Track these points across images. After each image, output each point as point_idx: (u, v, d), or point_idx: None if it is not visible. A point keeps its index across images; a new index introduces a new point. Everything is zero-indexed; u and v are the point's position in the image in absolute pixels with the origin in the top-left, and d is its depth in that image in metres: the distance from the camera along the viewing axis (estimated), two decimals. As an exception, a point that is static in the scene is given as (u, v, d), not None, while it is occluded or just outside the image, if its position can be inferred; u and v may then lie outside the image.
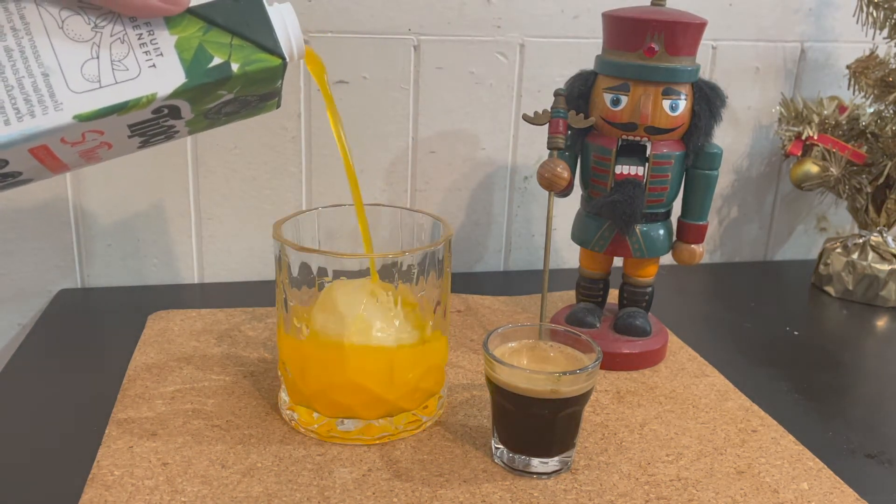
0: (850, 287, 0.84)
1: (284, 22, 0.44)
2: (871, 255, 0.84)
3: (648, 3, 0.63)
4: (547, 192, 0.62)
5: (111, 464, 0.49)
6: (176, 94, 0.41)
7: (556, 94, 0.62)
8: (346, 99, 0.80)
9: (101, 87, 0.40)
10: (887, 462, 0.55)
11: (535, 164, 0.87)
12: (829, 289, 0.86)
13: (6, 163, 0.40)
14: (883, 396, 0.65)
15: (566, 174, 0.61)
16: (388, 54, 0.80)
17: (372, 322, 0.52)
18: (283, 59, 0.43)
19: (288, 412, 0.55)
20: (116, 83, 0.40)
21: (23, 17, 0.39)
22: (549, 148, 0.61)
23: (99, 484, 0.48)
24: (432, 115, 0.83)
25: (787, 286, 0.90)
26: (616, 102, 0.61)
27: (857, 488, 0.50)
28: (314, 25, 0.77)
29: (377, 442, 0.53)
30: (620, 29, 0.61)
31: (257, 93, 0.45)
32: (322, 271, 0.53)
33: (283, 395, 0.56)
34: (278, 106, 0.49)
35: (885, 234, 0.85)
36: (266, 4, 0.43)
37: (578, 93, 0.63)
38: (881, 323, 0.80)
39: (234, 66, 0.42)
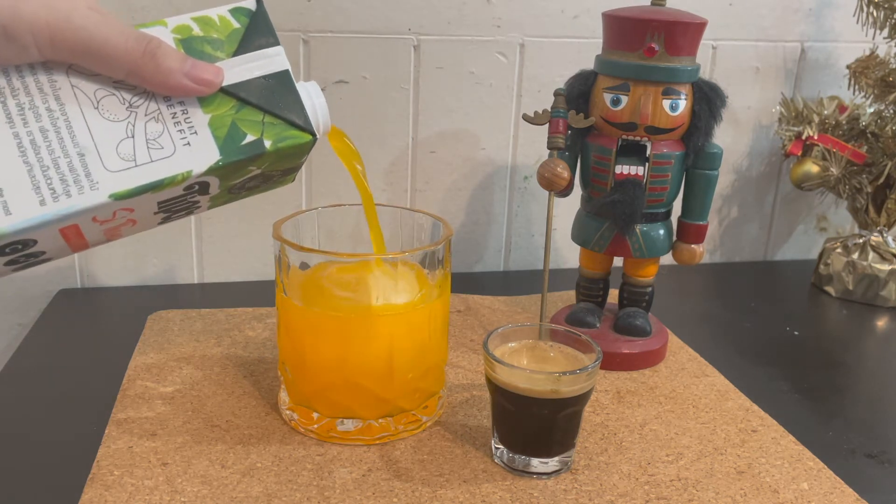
0: (850, 287, 0.84)
1: (312, 99, 0.44)
2: (871, 255, 0.84)
3: (648, 3, 0.63)
4: (547, 192, 0.62)
5: (111, 464, 0.49)
6: (210, 171, 0.41)
7: (556, 94, 0.62)
8: (346, 99, 0.80)
9: (136, 165, 0.40)
10: (887, 462, 0.55)
11: (535, 164, 0.86)
12: (829, 289, 0.86)
13: (35, 242, 0.39)
14: (883, 396, 0.65)
15: (566, 174, 0.61)
16: (388, 54, 0.80)
17: (374, 287, 0.53)
18: (314, 135, 0.44)
19: (288, 412, 0.55)
20: (152, 161, 0.40)
21: (58, 97, 0.39)
22: (549, 148, 0.61)
23: (99, 484, 0.48)
24: (432, 115, 0.83)
25: (787, 286, 0.90)
26: (616, 102, 0.61)
27: (857, 488, 0.50)
28: (314, 25, 0.77)
29: (377, 442, 0.53)
30: (620, 29, 0.61)
31: (282, 168, 0.46)
32: (322, 271, 0.53)
33: (283, 395, 0.56)
34: (293, 180, 0.50)
35: (885, 234, 0.85)
36: (295, 82, 0.44)
37: (578, 93, 0.63)
38: (881, 323, 0.80)
39: (267, 143, 0.42)
